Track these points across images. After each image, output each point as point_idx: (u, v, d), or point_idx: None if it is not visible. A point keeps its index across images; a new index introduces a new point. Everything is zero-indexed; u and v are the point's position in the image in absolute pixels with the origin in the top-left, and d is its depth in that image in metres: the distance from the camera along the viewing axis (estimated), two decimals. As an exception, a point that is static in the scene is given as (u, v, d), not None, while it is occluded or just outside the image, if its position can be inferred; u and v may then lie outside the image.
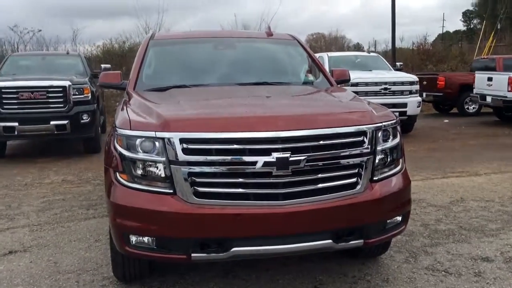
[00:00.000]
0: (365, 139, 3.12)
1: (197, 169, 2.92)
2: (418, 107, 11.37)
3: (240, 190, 2.93)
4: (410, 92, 11.21)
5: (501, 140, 10.85)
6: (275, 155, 2.89)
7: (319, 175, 3.00)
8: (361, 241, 3.12)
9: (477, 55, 22.40)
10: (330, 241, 3.04)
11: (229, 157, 2.91)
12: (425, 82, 15.63)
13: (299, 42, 4.91)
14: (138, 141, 3.03)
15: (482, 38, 23.36)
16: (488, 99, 13.67)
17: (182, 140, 2.92)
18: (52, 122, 9.03)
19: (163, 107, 3.36)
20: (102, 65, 11.44)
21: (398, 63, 14.82)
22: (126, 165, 3.07)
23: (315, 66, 4.63)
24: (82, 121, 9.35)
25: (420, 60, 24.65)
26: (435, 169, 7.62)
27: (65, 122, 9.11)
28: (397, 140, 3.33)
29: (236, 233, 2.94)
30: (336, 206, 3.01)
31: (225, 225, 2.92)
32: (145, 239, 3.06)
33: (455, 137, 11.26)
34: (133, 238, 3.07)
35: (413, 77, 11.72)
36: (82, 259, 4.17)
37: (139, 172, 3.04)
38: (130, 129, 3.07)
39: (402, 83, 11.28)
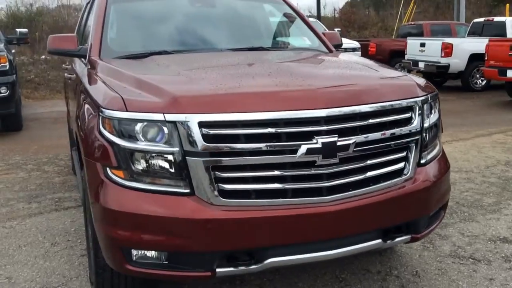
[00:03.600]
0: (413, 115, 2.59)
1: (222, 160, 2.23)
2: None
3: (276, 185, 2.29)
4: (354, 58, 10.95)
5: (443, 106, 10.91)
6: (320, 139, 2.27)
7: (368, 162, 2.44)
8: (409, 236, 2.62)
9: (398, 21, 22.79)
10: (379, 240, 2.51)
11: (262, 144, 2.24)
12: (357, 49, 15.53)
13: (285, 1, 4.23)
14: (138, 126, 2.28)
15: (403, 4, 23.73)
16: (421, 65, 13.80)
17: (201, 124, 2.21)
18: (-36, 97, 7.70)
19: (162, 80, 2.60)
20: (18, 30, 10.07)
21: (336, 29, 14.51)
22: (121, 158, 2.32)
23: (308, 29, 4.00)
24: (0, 94, 8.06)
25: (343, 27, 24.69)
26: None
27: (-21, 96, 7.80)
28: (437, 115, 2.84)
29: (273, 240, 2.32)
30: (387, 198, 2.47)
31: (261, 232, 2.28)
32: (152, 253, 2.35)
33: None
34: (135, 253, 2.35)
35: (356, 43, 11.47)
36: (43, 271, 3.35)
37: (141, 167, 2.31)
38: (126, 110, 2.30)
39: (345, 50, 10.97)
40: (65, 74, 4.40)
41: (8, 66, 8.26)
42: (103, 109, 2.39)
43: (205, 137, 2.21)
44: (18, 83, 8.90)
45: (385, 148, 2.49)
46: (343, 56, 3.64)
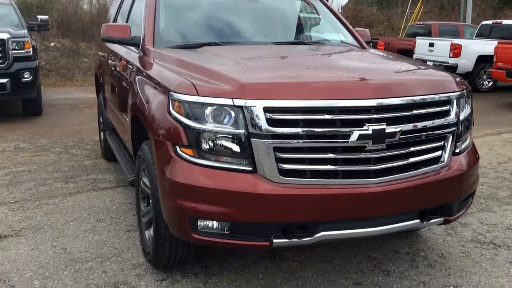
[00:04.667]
0: (450, 108, 2.85)
1: (283, 143, 2.49)
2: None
3: (329, 167, 2.55)
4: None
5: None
6: (370, 126, 2.53)
7: (411, 149, 2.70)
8: (442, 218, 2.88)
9: (405, 21, 22.99)
10: (417, 220, 2.77)
11: (319, 129, 2.50)
12: (366, 46, 15.74)
13: (319, -2, 4.49)
14: (208, 109, 2.53)
15: (410, 4, 23.93)
16: (429, 64, 14.03)
17: (266, 109, 2.47)
18: (-11, 81, 7.90)
19: (227, 68, 2.85)
20: (38, 16, 10.26)
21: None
22: (191, 137, 2.57)
23: (342, 26, 4.25)
24: (23, 79, 8.25)
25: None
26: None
27: (4, 80, 8.00)
28: (470, 109, 3.09)
29: (324, 215, 2.58)
30: (426, 182, 2.73)
31: (314, 207, 2.54)
32: (216, 224, 2.61)
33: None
34: (200, 223, 2.61)
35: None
36: (94, 243, 3.60)
37: (209, 146, 2.56)
38: (198, 95, 2.55)
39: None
40: (109, 62, 4.62)
41: (31, 52, 8.48)
42: (174, 93, 2.65)
43: (269, 121, 2.47)
44: (39, 69, 9.10)
45: (426, 137, 2.75)
46: (380, 52, 3.90)
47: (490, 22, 15.49)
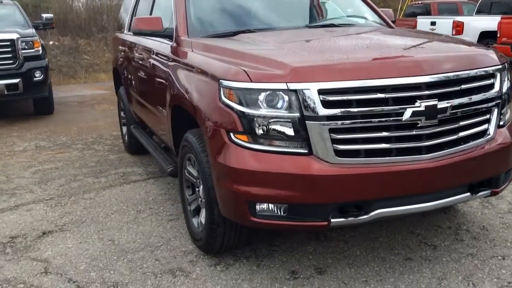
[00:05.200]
0: (494, 81, 2.90)
1: (337, 124, 2.54)
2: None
3: (383, 145, 2.60)
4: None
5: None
6: (422, 103, 2.58)
7: (460, 123, 2.75)
8: (489, 191, 2.94)
9: (402, 1, 22.92)
10: (468, 193, 2.84)
11: (373, 108, 2.55)
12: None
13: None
14: (262, 95, 2.58)
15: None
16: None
17: (320, 91, 2.51)
18: (1, 82, 7.86)
19: (274, 53, 2.89)
20: (43, 15, 10.22)
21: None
22: (245, 123, 2.62)
23: (368, 7, 4.28)
24: (35, 79, 8.25)
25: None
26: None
27: (16, 80, 7.99)
28: (509, 83, 3.14)
29: (380, 193, 2.64)
30: (475, 156, 2.79)
31: (370, 186, 2.60)
32: (273, 206, 2.67)
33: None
34: (258, 207, 2.67)
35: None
36: (140, 234, 3.65)
37: (264, 131, 2.61)
38: (251, 81, 2.59)
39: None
40: (135, 55, 4.64)
41: (41, 51, 8.48)
42: (225, 81, 2.69)
43: (324, 103, 2.51)
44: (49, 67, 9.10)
45: (473, 111, 2.81)
46: (412, 30, 3.95)
47: (490, -3, 15.47)
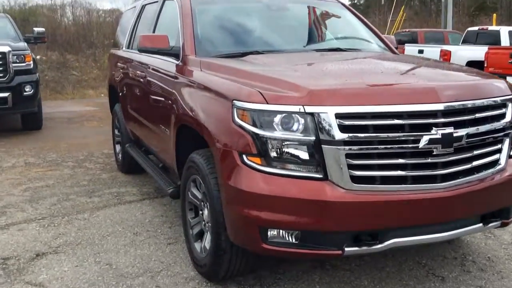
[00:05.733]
0: (506, 111, 2.89)
1: (354, 149, 2.48)
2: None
3: (400, 172, 2.55)
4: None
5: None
6: (439, 131, 2.54)
7: (474, 152, 2.72)
8: (500, 221, 2.90)
9: (389, 28, 23.33)
10: (480, 224, 2.80)
11: (390, 134, 2.51)
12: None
13: (344, 5, 4.52)
14: (278, 117, 2.52)
15: (393, 12, 24.32)
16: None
17: (338, 115, 2.47)
18: (-10, 95, 7.72)
19: (289, 75, 2.84)
20: (35, 29, 10.11)
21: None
22: (259, 145, 2.55)
23: (372, 32, 4.29)
24: (25, 93, 8.09)
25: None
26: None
27: (6, 94, 7.83)
28: None
29: (396, 222, 2.58)
30: (489, 186, 2.76)
31: (387, 214, 2.54)
32: (286, 233, 2.58)
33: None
34: (270, 233, 2.58)
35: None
36: (139, 258, 3.53)
37: (278, 154, 2.54)
38: (267, 103, 2.54)
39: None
40: (136, 73, 4.56)
41: (32, 65, 8.35)
42: (239, 102, 2.63)
43: (341, 127, 2.46)
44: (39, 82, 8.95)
45: (486, 140, 2.78)
46: (419, 57, 3.95)
47: (476, 28, 15.84)
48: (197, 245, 3.25)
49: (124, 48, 5.51)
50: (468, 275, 3.25)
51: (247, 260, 2.98)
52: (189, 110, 3.18)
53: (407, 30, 19.09)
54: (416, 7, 41.02)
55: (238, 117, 2.63)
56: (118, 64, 5.40)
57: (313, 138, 2.49)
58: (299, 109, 2.49)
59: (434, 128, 2.54)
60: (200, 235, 3.27)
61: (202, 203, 3.17)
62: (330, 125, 2.46)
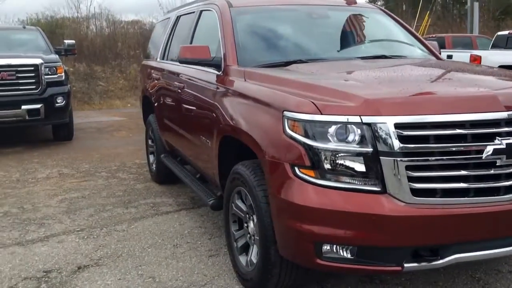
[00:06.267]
0: None
1: (414, 160, 2.37)
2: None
3: (462, 185, 2.43)
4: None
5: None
6: (503, 140, 2.42)
7: (538, 163, 2.58)
8: None
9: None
10: (541, 238, 2.65)
11: (452, 145, 2.39)
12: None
13: (384, 11, 4.42)
14: (333, 128, 2.43)
15: (418, 17, 24.00)
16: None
17: (397, 125, 2.36)
18: (23, 107, 7.78)
19: (342, 85, 2.75)
20: (66, 41, 10.22)
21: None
22: (313, 157, 2.46)
23: (415, 38, 4.18)
24: (56, 104, 8.17)
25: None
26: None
27: (38, 106, 7.91)
28: None
29: (458, 237, 2.46)
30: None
31: (449, 228, 2.42)
32: (341, 248, 2.48)
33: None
34: (325, 248, 2.48)
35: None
36: (181, 270, 3.46)
37: (333, 166, 2.45)
38: (321, 113, 2.45)
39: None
40: (174, 83, 4.52)
41: (64, 77, 8.43)
42: (291, 113, 2.55)
43: (400, 138, 2.36)
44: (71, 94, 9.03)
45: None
46: (468, 63, 3.84)
47: (506, 32, 15.49)
48: (242, 258, 3.18)
49: (158, 59, 5.50)
50: (527, 290, 3.11)
51: (296, 275, 2.88)
52: (234, 121, 3.11)
53: (433, 35, 18.78)
54: (439, 12, 40.62)
55: (289, 128, 2.55)
56: (153, 75, 5.39)
57: (370, 149, 2.39)
58: (356, 119, 2.40)
59: (497, 137, 2.42)
60: (245, 248, 3.19)
61: (247, 215, 3.10)
62: (389, 136, 2.36)
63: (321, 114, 2.45)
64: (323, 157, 2.45)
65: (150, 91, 5.53)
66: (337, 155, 2.43)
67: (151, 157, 5.94)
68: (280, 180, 2.59)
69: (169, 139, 5.01)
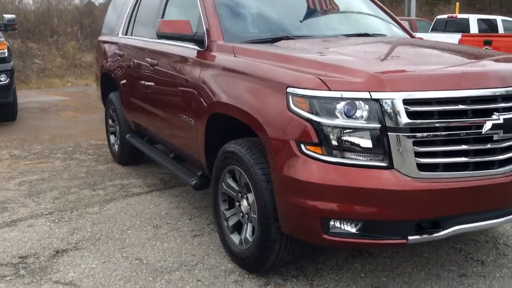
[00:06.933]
0: None
1: (421, 136, 2.42)
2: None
3: (463, 159, 2.51)
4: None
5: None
6: (501, 116, 2.51)
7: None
8: None
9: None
10: (533, 209, 2.80)
11: (456, 120, 2.46)
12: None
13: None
14: (341, 104, 2.42)
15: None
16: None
17: (405, 101, 2.39)
18: (-38, 85, 7.27)
19: (347, 61, 2.74)
20: (5, 16, 9.57)
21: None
22: (320, 134, 2.45)
23: (390, 18, 4.24)
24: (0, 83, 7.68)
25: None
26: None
27: (-21, 84, 7.41)
28: None
29: (459, 209, 2.54)
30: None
31: (450, 201, 2.50)
32: (347, 223, 2.50)
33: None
34: (332, 223, 2.49)
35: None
36: (168, 251, 3.37)
37: (340, 142, 2.44)
38: (329, 89, 2.43)
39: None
40: (146, 60, 4.33)
41: (7, 53, 7.91)
42: (296, 89, 2.51)
43: (408, 114, 2.39)
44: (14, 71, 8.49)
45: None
46: (445, 42, 3.95)
47: (445, 16, 16.15)
48: (235, 237, 3.14)
49: (120, 35, 5.26)
50: (506, 258, 3.27)
51: (294, 251, 2.88)
52: (226, 98, 3.02)
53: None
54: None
55: (294, 104, 2.52)
56: (116, 51, 5.15)
57: (378, 125, 2.40)
58: (365, 95, 2.40)
59: (495, 113, 2.51)
60: (236, 227, 3.15)
61: (239, 194, 3.05)
62: (397, 112, 2.38)
63: (329, 90, 2.43)
64: (330, 134, 2.43)
65: (112, 69, 5.28)
66: (344, 132, 2.43)
67: (112, 138, 5.71)
68: (284, 157, 2.55)
69: (137, 118, 4.82)
